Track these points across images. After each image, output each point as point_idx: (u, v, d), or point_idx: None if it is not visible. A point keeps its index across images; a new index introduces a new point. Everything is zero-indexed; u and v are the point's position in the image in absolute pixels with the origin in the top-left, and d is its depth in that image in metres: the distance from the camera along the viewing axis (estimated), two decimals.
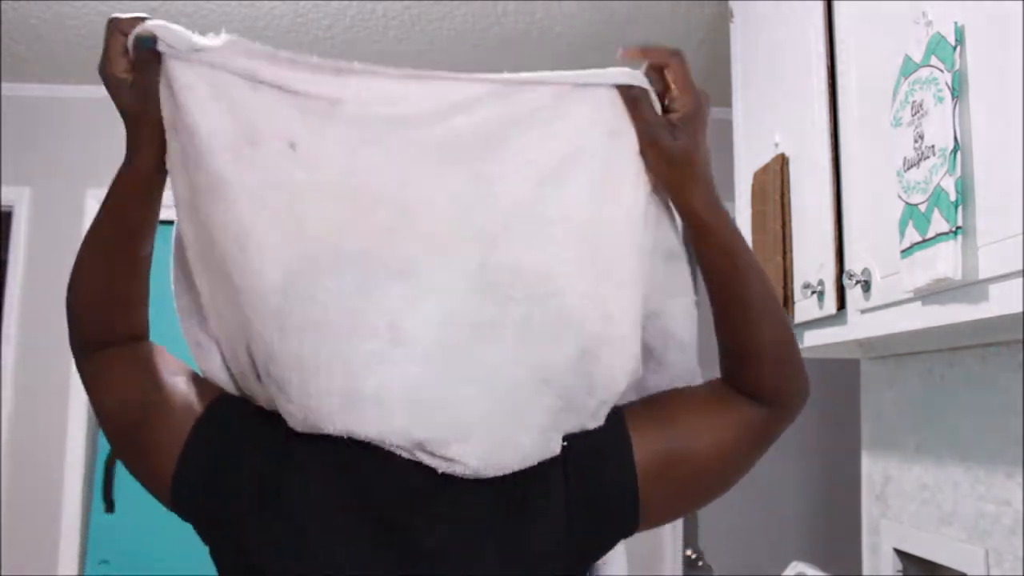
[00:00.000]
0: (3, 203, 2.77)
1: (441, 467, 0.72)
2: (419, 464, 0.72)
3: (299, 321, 0.71)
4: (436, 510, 0.74)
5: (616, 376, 0.78)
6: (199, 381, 0.83)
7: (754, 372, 0.81)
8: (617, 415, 0.80)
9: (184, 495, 0.77)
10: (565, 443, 0.76)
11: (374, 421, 0.71)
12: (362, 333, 0.70)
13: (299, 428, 0.73)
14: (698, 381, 0.85)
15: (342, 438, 0.72)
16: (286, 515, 0.73)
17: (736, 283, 0.80)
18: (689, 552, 2.80)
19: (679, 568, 2.69)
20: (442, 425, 0.72)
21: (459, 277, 0.72)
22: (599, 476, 0.77)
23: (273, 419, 0.76)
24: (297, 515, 0.73)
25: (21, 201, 2.77)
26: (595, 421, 0.78)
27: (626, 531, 0.79)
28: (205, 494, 0.76)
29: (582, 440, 0.78)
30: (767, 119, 1.68)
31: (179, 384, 0.81)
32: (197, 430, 0.77)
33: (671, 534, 2.71)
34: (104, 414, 0.82)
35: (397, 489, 0.74)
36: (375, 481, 0.74)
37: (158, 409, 0.79)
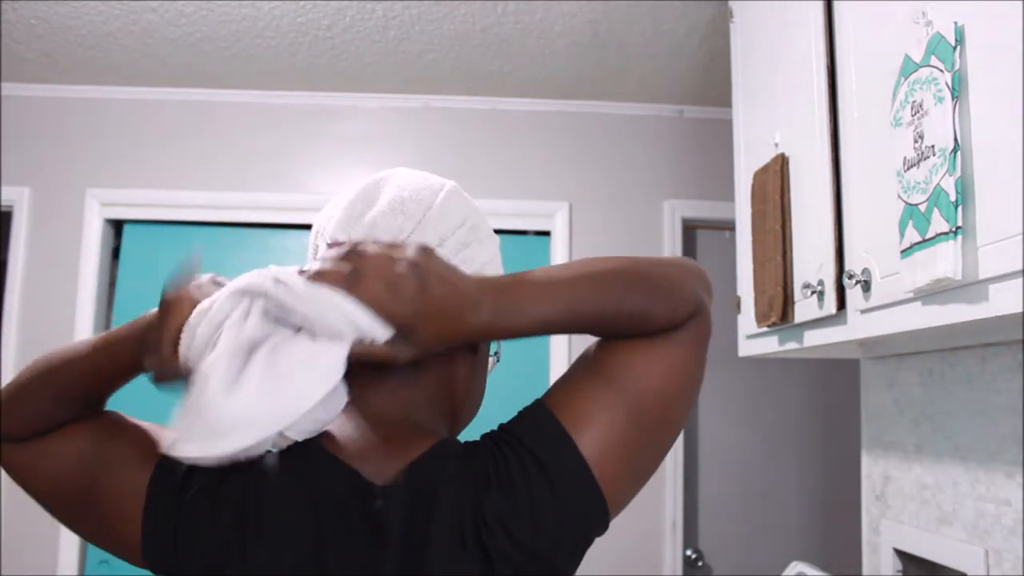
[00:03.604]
0: (3, 203, 2.77)
1: None
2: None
3: None
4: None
5: None
6: (148, 431, 0.79)
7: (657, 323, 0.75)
8: (541, 412, 0.75)
9: (156, 550, 0.73)
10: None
11: None
12: None
13: None
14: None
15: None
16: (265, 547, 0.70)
17: (602, 321, 0.74)
18: (689, 552, 2.81)
19: (679, 568, 2.69)
20: None
21: None
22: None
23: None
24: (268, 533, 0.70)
25: (21, 201, 2.76)
26: None
27: (598, 528, 0.75)
28: (176, 545, 0.72)
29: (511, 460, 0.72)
30: (767, 119, 1.68)
31: (128, 437, 0.78)
32: (156, 479, 0.73)
33: (671, 534, 2.70)
34: (45, 490, 0.81)
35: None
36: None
37: (108, 468, 0.76)
